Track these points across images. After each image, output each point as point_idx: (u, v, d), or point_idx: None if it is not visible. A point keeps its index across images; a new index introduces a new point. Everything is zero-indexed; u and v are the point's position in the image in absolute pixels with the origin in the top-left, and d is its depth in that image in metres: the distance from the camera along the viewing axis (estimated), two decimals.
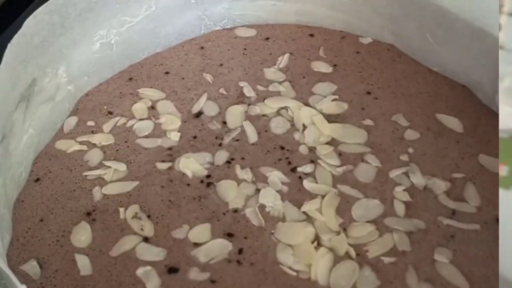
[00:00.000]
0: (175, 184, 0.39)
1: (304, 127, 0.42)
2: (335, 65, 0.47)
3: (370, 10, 0.48)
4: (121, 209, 0.37)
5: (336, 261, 0.35)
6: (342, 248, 0.35)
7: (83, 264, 0.35)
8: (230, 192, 0.38)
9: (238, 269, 0.35)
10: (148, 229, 0.36)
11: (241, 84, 0.46)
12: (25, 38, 0.37)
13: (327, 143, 0.41)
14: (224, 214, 0.37)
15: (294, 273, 0.34)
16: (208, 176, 0.39)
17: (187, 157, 0.40)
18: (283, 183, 0.39)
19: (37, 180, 0.39)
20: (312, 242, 0.36)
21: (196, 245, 0.36)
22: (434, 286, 0.34)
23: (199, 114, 0.43)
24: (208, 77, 0.46)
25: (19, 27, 0.37)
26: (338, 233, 0.36)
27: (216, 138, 0.42)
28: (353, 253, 0.35)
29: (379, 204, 0.38)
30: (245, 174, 0.39)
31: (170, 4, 0.48)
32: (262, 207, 0.38)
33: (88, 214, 0.37)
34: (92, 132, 0.42)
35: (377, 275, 0.34)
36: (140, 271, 0.35)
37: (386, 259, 0.35)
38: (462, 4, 0.42)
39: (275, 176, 0.39)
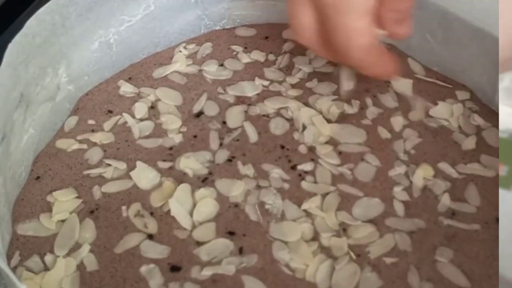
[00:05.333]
0: (176, 183, 0.39)
1: (304, 127, 0.42)
2: (335, 65, 0.47)
3: None
4: (123, 207, 0.38)
5: (337, 263, 0.35)
6: (343, 250, 0.35)
7: (89, 260, 0.35)
8: (232, 187, 0.38)
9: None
10: (152, 227, 0.37)
11: (241, 83, 0.46)
12: (26, 38, 0.37)
13: (326, 143, 0.41)
14: (226, 210, 0.37)
15: (291, 272, 0.35)
16: (209, 174, 0.39)
17: (187, 157, 0.40)
18: (284, 180, 0.39)
19: (37, 178, 0.39)
20: (311, 240, 0.36)
21: (199, 243, 0.36)
22: (435, 286, 0.34)
23: (199, 114, 0.43)
24: (208, 77, 0.46)
25: (19, 27, 0.37)
26: (337, 232, 0.36)
27: (217, 137, 0.42)
28: (353, 255, 0.35)
29: (379, 203, 0.38)
30: (247, 170, 0.39)
31: (169, 4, 0.48)
32: (262, 203, 0.38)
33: (91, 212, 0.37)
34: (93, 130, 0.42)
35: (379, 276, 0.34)
36: (143, 269, 0.35)
37: (388, 260, 0.35)
38: (462, 4, 0.42)
39: (276, 173, 0.39)
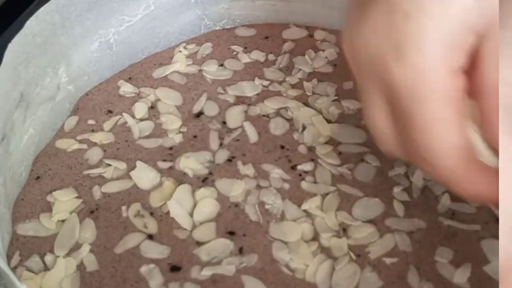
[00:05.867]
0: (176, 183, 0.39)
1: (304, 127, 0.42)
2: (335, 65, 0.47)
3: None
4: (123, 207, 0.38)
5: (337, 264, 0.35)
6: (343, 251, 0.35)
7: (89, 260, 0.35)
8: (232, 187, 0.38)
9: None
10: (152, 227, 0.37)
11: (241, 83, 0.46)
12: (26, 38, 0.37)
13: (326, 143, 0.41)
14: (226, 210, 0.38)
15: (291, 273, 0.35)
16: (209, 174, 0.39)
17: (187, 157, 0.40)
18: (284, 180, 0.39)
19: (37, 178, 0.39)
20: (311, 240, 0.36)
21: (199, 243, 0.36)
22: (435, 286, 0.34)
23: (199, 114, 0.43)
24: (208, 77, 0.46)
25: (19, 27, 0.37)
26: (337, 232, 0.36)
27: (217, 137, 0.42)
28: (353, 255, 0.35)
29: (379, 203, 0.38)
30: (247, 169, 0.39)
31: (169, 4, 0.48)
32: (262, 203, 0.38)
33: (91, 212, 0.37)
34: (93, 130, 0.42)
35: (379, 276, 0.34)
36: (143, 269, 0.35)
37: (388, 260, 0.35)
38: None
39: (276, 173, 0.39)
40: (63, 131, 0.42)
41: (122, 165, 0.40)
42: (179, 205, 0.37)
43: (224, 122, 0.43)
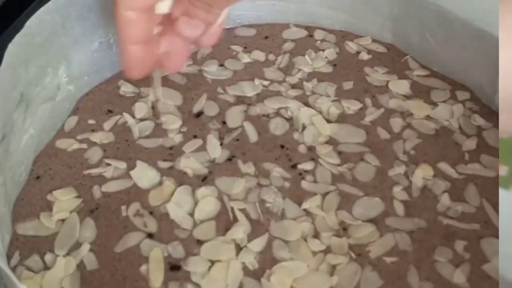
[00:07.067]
0: (176, 183, 0.39)
1: (304, 127, 0.42)
2: (335, 65, 0.47)
3: (370, 10, 0.48)
4: (123, 207, 0.38)
5: (337, 263, 0.35)
6: (343, 250, 0.35)
7: (89, 259, 0.35)
8: (233, 185, 0.38)
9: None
10: (152, 226, 0.37)
11: (241, 83, 0.46)
12: (26, 38, 0.37)
13: (326, 143, 0.41)
14: (226, 209, 0.37)
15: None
16: (209, 173, 0.39)
17: (187, 156, 0.40)
18: (284, 179, 0.39)
19: (37, 178, 0.39)
20: (307, 238, 0.36)
21: (199, 242, 0.36)
22: (435, 286, 0.34)
23: (199, 114, 0.43)
24: (208, 77, 0.46)
25: (19, 27, 0.37)
26: (338, 231, 0.36)
27: (217, 137, 0.42)
28: (353, 255, 0.35)
29: (379, 202, 0.38)
30: (248, 168, 0.39)
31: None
32: (262, 202, 0.38)
33: (91, 211, 0.37)
34: (93, 130, 0.42)
35: (379, 275, 0.34)
36: (143, 268, 0.35)
37: (388, 259, 0.35)
38: (462, 4, 0.42)
39: (277, 172, 0.39)
40: (63, 131, 0.42)
41: (122, 165, 0.40)
42: (178, 207, 0.37)
43: (224, 122, 0.43)
